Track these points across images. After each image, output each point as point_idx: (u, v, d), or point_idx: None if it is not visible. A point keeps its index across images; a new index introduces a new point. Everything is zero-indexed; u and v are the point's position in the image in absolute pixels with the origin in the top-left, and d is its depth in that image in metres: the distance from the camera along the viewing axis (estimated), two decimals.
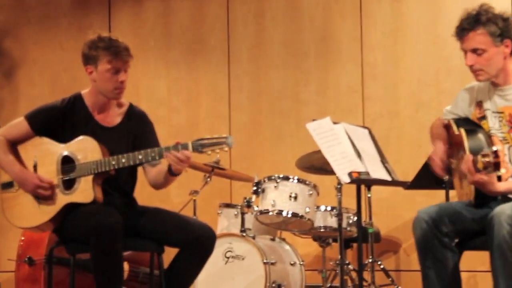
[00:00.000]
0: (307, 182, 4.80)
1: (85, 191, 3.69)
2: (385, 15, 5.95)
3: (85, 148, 3.73)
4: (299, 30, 6.11)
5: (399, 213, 5.74)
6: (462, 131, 3.51)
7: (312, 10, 6.09)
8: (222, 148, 3.61)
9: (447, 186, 4.67)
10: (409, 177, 4.91)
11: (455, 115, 3.71)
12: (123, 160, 3.67)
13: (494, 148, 3.14)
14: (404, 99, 5.88)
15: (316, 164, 4.91)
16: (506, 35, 3.47)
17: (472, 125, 3.58)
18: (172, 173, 3.73)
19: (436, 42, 5.77)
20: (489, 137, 3.49)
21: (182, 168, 3.66)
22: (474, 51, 3.48)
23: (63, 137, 3.80)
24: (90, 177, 3.69)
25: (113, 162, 3.68)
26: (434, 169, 3.66)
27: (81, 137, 3.76)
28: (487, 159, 3.14)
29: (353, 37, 5.99)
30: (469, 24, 3.47)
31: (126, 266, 4.68)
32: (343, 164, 4.28)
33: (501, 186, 3.33)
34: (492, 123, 3.53)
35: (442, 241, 3.43)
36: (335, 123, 4.44)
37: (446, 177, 3.74)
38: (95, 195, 3.68)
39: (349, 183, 4.23)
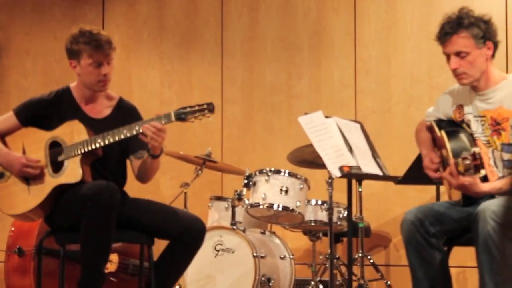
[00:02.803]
0: (298, 176, 4.80)
1: (72, 171, 3.69)
2: (379, 11, 5.95)
3: (71, 131, 3.75)
4: (292, 24, 6.11)
5: (389, 208, 5.75)
6: (443, 133, 3.53)
7: (306, 4, 6.08)
8: (204, 115, 3.62)
9: (438, 181, 4.68)
10: (400, 172, 4.93)
11: (437, 118, 3.72)
12: (109, 137, 3.67)
13: (472, 151, 3.17)
14: (396, 94, 5.88)
15: (308, 158, 4.91)
16: (488, 37, 3.49)
17: (454, 126, 3.59)
18: (151, 154, 3.70)
19: (429, 38, 5.63)
20: (471, 137, 3.51)
21: (158, 142, 3.62)
22: (458, 54, 3.50)
23: (51, 128, 3.81)
24: (78, 158, 3.70)
25: (99, 140, 3.68)
26: (430, 176, 3.63)
27: (67, 122, 3.78)
28: (467, 162, 3.18)
29: (347, 32, 5.99)
30: (451, 28, 3.49)
31: (115, 257, 4.68)
32: (335, 158, 4.28)
33: (485, 187, 3.36)
34: (475, 127, 3.53)
35: (429, 241, 3.45)
36: (327, 117, 4.44)
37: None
38: (83, 174, 3.67)
39: (340, 177, 4.23)
